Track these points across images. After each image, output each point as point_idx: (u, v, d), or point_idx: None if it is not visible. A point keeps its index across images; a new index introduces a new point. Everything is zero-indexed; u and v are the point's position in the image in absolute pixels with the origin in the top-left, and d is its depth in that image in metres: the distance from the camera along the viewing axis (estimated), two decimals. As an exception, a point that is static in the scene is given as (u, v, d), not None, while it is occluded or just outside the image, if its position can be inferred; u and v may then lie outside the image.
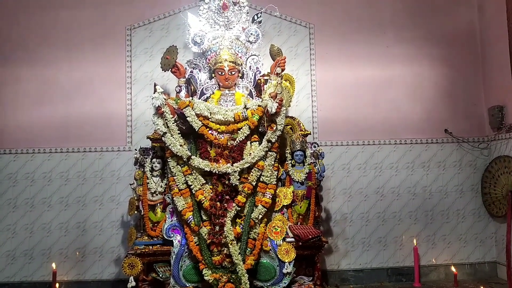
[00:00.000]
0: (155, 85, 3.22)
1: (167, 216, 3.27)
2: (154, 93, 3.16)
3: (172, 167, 3.19)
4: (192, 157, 3.15)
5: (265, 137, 3.23)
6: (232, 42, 3.47)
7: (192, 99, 3.32)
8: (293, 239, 3.22)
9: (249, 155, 3.21)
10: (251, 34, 3.50)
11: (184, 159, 3.15)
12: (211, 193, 3.16)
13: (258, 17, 3.53)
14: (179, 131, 3.19)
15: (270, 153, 3.25)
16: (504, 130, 3.92)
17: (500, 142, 4.00)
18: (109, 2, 4.04)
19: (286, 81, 3.60)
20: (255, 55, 3.58)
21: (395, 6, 4.21)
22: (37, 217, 3.86)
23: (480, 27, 4.22)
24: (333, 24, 4.15)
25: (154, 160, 3.37)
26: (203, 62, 3.55)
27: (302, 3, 4.15)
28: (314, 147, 3.56)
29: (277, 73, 3.35)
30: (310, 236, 3.18)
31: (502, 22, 3.93)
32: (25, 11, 4.01)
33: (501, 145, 3.97)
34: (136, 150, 3.52)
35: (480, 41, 4.21)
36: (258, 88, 3.57)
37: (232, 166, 3.16)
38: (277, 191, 3.31)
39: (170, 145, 3.13)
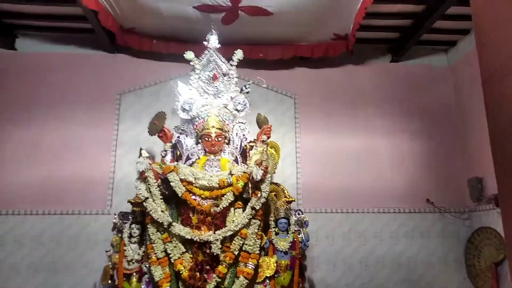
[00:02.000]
0: (140, 149, 3.22)
1: (142, 287, 3.10)
2: (139, 157, 3.14)
3: (151, 234, 3.08)
4: (173, 223, 3.06)
5: (249, 204, 3.18)
6: (220, 110, 3.53)
7: (178, 164, 3.31)
8: (275, 315, 3.04)
9: (232, 222, 3.14)
10: (239, 103, 3.57)
11: (165, 226, 3.05)
12: (191, 262, 3.03)
13: (246, 88, 3.63)
14: (161, 197, 3.13)
15: (253, 220, 3.18)
16: (484, 201, 3.96)
17: (481, 213, 4.00)
18: (102, 68, 4.16)
19: (271, 148, 3.62)
20: (242, 122, 3.63)
21: (376, 81, 4.42)
22: (3, 283, 3.59)
23: (457, 103, 4.41)
24: (316, 95, 4.30)
25: (133, 226, 3.28)
26: (190, 128, 3.58)
27: (287, 76, 4.33)
28: (298, 214, 3.52)
29: (262, 140, 3.40)
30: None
31: (479, 98, 4.12)
32: (18, 72, 4.08)
33: (482, 216, 3.98)
34: (115, 214, 3.43)
35: (460, 115, 4.37)
36: (244, 154, 3.58)
37: (215, 234, 3.07)
38: (259, 261, 3.19)
39: (151, 210, 3.05)
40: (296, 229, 3.41)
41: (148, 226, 3.10)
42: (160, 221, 3.05)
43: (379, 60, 4.48)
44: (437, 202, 4.13)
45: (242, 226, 3.12)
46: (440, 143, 4.31)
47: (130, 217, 3.36)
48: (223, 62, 3.58)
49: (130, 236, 3.27)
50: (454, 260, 4.05)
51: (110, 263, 3.27)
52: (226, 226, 3.12)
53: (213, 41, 3.57)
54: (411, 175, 4.20)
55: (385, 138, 4.26)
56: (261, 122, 3.49)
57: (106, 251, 3.37)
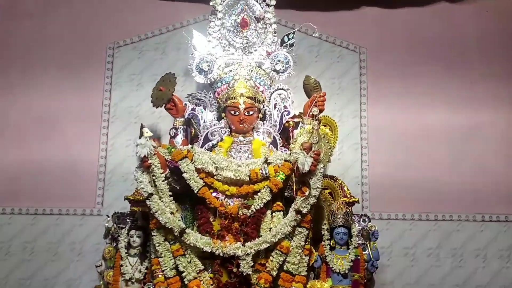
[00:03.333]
0: (142, 126, 3.26)
1: (145, 316, 3.19)
2: (140, 137, 3.16)
3: (157, 244, 3.10)
4: (187, 230, 3.07)
5: (292, 205, 3.16)
6: (251, 71, 3.49)
7: (192, 147, 3.32)
8: None
9: (269, 230, 3.13)
10: (279, 61, 3.51)
11: (176, 233, 3.07)
12: (212, 284, 3.06)
13: (289, 39, 3.56)
14: (170, 193, 3.16)
15: (299, 229, 3.16)
16: None
17: None
18: (88, 11, 4.21)
19: (325, 126, 3.59)
20: (282, 89, 3.60)
21: (484, 27, 4.26)
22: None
23: None
24: (393, 48, 4.23)
25: (132, 232, 3.31)
26: (210, 97, 3.59)
27: (350, 20, 4.28)
28: (364, 221, 3.49)
29: (313, 114, 3.36)
30: None
31: None
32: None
33: None
34: (108, 216, 3.47)
35: None
36: (285, 134, 3.55)
37: (244, 246, 3.06)
38: (307, 286, 3.19)
39: (156, 212, 3.07)
40: (360, 242, 3.38)
41: (153, 234, 3.13)
42: (169, 227, 3.06)
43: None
44: None
45: (283, 236, 3.10)
46: None
47: (128, 220, 3.40)
48: (257, 2, 3.55)
49: (129, 246, 3.30)
50: None
51: (101, 283, 3.29)
52: (261, 236, 3.12)
53: (242, -29, 3.57)
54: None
55: (495, 112, 4.14)
56: (310, 89, 3.44)
57: (96, 266, 3.40)
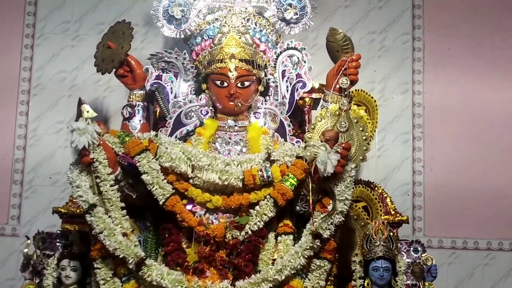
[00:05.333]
0: (80, 103, 3.26)
1: None
2: (77, 119, 3.19)
3: (102, 282, 3.16)
4: (148, 261, 3.13)
5: (308, 226, 3.22)
6: (248, 20, 3.53)
7: (157, 135, 3.36)
8: None
9: (272, 263, 3.20)
10: (290, 5, 3.56)
11: (130, 266, 3.12)
12: None
13: None
14: (123, 204, 3.20)
15: (318, 261, 3.23)
16: None
17: None
18: None
19: (359, 106, 3.65)
20: (295, 48, 3.62)
21: None
22: None
23: None
24: None
25: (64, 262, 3.37)
26: (184, 58, 3.60)
27: None
28: (416, 251, 3.57)
29: (340, 88, 3.41)
30: None
31: None
32: None
33: None
34: (28, 238, 3.52)
35: None
36: (298, 117, 3.65)
37: (234, 286, 3.13)
38: None
39: (101, 232, 3.11)
40: (409, 283, 3.47)
41: (95, 266, 3.17)
42: (121, 256, 3.09)
43: None
44: None
45: (293, 272, 3.16)
46: None
47: (58, 244, 3.47)
48: None
49: (59, 284, 3.36)
50: None
51: None
52: (259, 271, 3.17)
53: None
54: None
55: None
56: (337, 49, 3.47)
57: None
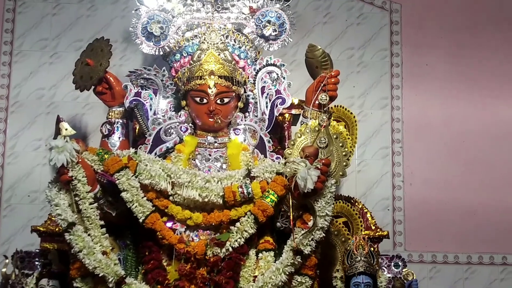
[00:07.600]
0: (58, 120, 3.25)
1: None
2: (55, 137, 3.18)
3: None
4: (128, 280, 3.12)
5: (289, 242, 3.22)
6: (227, 37, 3.55)
7: (136, 152, 3.36)
8: None
9: (253, 280, 3.20)
10: (269, 22, 3.56)
11: (110, 284, 3.11)
12: None
13: None
14: (102, 222, 3.19)
15: (299, 278, 3.23)
16: None
17: None
18: None
19: (338, 122, 3.69)
20: (274, 65, 3.64)
21: None
22: None
23: None
24: (444, 4, 4.32)
25: (43, 282, 3.35)
26: (163, 75, 3.62)
27: None
28: (396, 266, 3.57)
29: (320, 104, 3.43)
30: None
31: None
32: None
33: None
34: (6, 257, 3.52)
35: None
36: (278, 133, 3.65)
37: None
38: None
39: (81, 251, 3.10)
40: None
41: (75, 285, 3.16)
42: (100, 275, 3.09)
43: None
44: None
45: None
46: None
47: (37, 263, 3.45)
48: None
49: None
50: None
51: None
52: None
53: None
54: None
55: None
56: (317, 65, 3.50)
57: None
